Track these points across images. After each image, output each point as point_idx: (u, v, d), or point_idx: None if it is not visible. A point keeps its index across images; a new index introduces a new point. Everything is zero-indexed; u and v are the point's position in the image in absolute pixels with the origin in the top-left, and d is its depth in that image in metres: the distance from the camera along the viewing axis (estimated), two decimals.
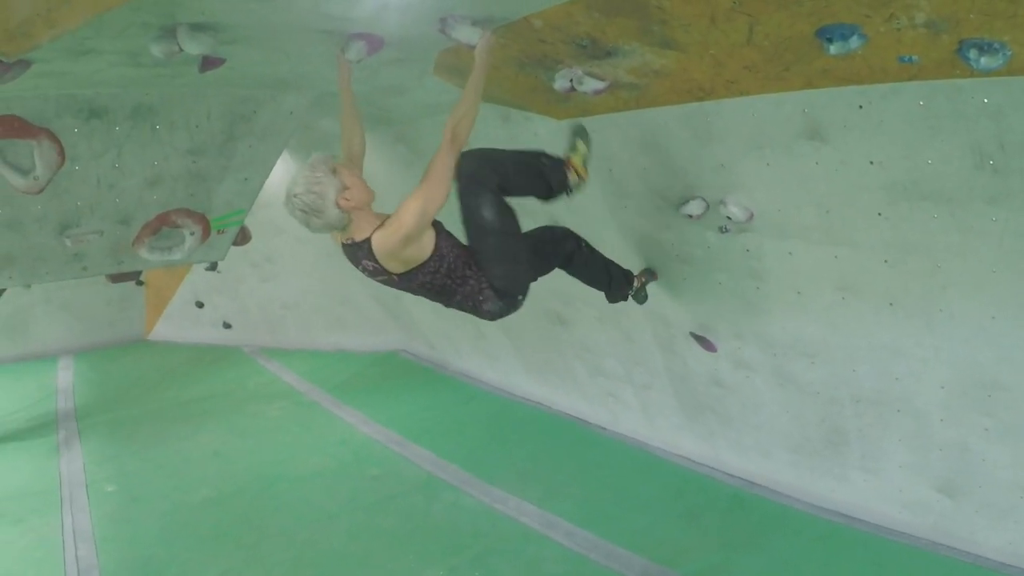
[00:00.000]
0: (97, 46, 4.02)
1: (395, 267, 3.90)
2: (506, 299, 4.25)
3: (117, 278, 9.27)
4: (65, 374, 12.36)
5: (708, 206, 4.88)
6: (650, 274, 5.65)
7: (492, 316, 4.32)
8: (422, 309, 10.07)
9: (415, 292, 4.16)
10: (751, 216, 4.68)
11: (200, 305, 13.13)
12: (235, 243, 7.58)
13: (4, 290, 8.06)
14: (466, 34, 3.95)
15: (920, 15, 2.83)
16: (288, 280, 11.70)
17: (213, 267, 9.90)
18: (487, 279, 4.14)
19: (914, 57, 3.09)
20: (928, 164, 3.61)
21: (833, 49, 3.18)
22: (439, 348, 10.64)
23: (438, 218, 3.92)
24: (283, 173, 6.86)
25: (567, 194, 4.49)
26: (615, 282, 5.25)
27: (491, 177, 4.07)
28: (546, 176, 4.37)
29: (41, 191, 5.68)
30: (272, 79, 5.35)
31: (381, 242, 3.79)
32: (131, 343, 13.94)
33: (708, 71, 3.87)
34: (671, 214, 5.18)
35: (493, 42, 3.96)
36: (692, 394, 6.54)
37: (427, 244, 3.88)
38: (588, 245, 5.02)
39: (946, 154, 3.50)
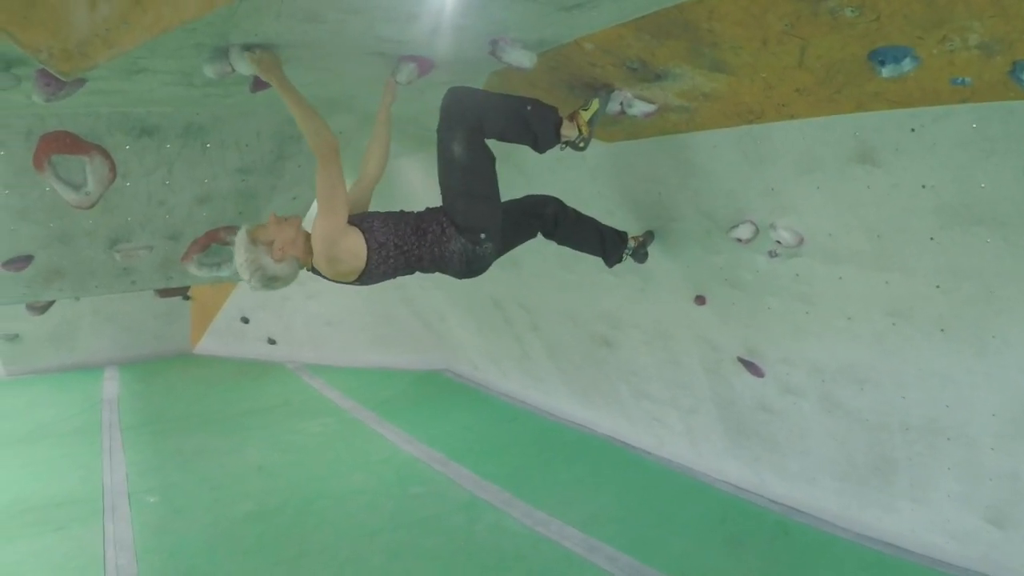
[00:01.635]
0: (150, 65, 4.17)
1: (349, 278, 4.00)
2: (467, 235, 4.12)
3: (165, 293, 9.45)
4: (111, 385, 12.60)
5: (758, 230, 4.88)
6: (649, 235, 5.51)
7: (460, 262, 4.18)
8: (467, 329, 10.15)
9: (390, 278, 4.19)
10: (801, 240, 4.67)
11: (246, 321, 13.32)
12: None
13: (53, 302, 8.26)
14: (517, 57, 4.01)
15: (973, 37, 2.83)
16: (333, 297, 11.82)
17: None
18: (449, 218, 4.11)
19: (967, 79, 3.08)
20: (981, 188, 3.58)
21: (885, 72, 3.18)
22: (483, 368, 10.68)
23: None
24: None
25: (560, 146, 4.39)
26: (609, 244, 5.18)
27: (468, 117, 4.05)
28: (531, 124, 4.24)
29: (92, 206, 5.83)
30: (322, 99, 5.43)
31: (321, 268, 3.94)
32: (176, 356, 14.17)
33: (759, 94, 3.89)
34: (720, 238, 5.19)
35: (269, 61, 3.86)
36: (738, 419, 6.50)
37: (357, 248, 3.91)
38: (575, 211, 4.97)
39: (999, 177, 3.47)
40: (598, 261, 6.28)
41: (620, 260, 5.32)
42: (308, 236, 3.93)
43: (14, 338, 13.08)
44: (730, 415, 6.56)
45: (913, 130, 3.59)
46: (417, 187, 7.59)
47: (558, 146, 4.37)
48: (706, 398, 6.69)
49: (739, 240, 4.99)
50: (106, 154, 5.63)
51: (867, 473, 5.59)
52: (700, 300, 5.85)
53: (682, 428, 7.30)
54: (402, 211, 4.16)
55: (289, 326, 12.96)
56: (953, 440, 4.85)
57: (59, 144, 5.51)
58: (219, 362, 13.70)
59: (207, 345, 14.18)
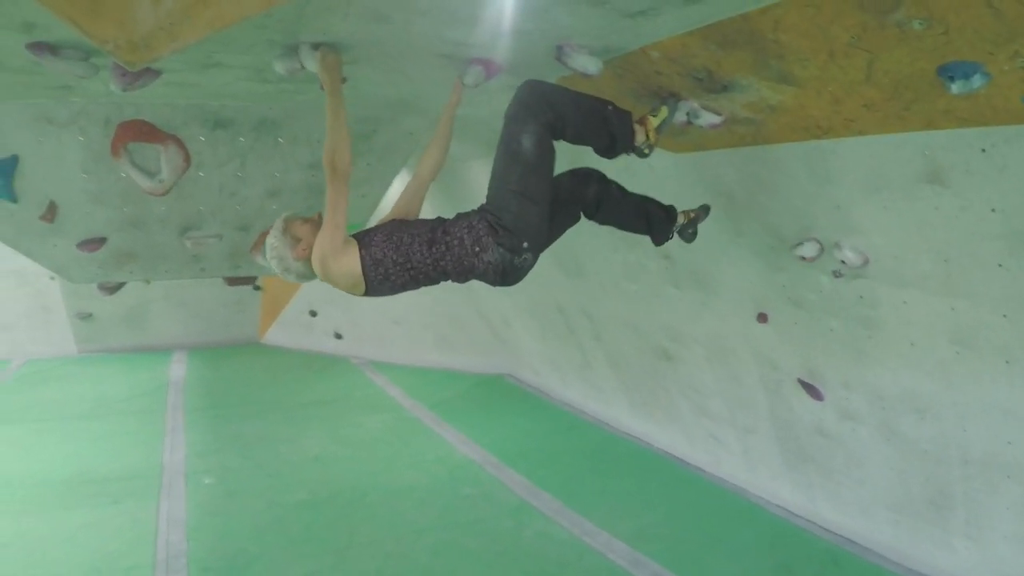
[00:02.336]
0: (224, 60, 4.30)
1: (357, 293, 3.95)
2: (508, 242, 3.87)
3: (234, 281, 9.68)
4: (178, 368, 13.06)
5: (823, 249, 4.80)
6: (703, 211, 4.85)
7: (494, 273, 3.94)
8: (531, 335, 10.18)
9: (400, 292, 4.06)
10: (866, 261, 4.58)
11: (314, 314, 13.57)
12: None
13: (124, 283, 8.52)
14: (583, 63, 3.99)
15: None
16: (400, 296, 11.94)
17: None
18: (487, 222, 3.88)
19: None
20: None
21: (955, 88, 3.08)
22: (544, 375, 10.70)
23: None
24: (399, 188, 7.07)
25: (628, 152, 4.22)
26: (655, 222, 4.68)
27: (546, 110, 3.86)
28: (609, 125, 4.07)
29: (166, 194, 6.04)
30: (393, 100, 5.53)
31: (328, 280, 3.93)
32: (244, 344, 14.62)
33: (826, 108, 3.82)
34: (785, 255, 5.12)
35: (332, 61, 3.91)
36: (795, 442, 6.39)
37: (351, 266, 3.82)
38: (619, 187, 4.54)
39: None
40: (662, 270, 6.25)
41: (668, 238, 4.82)
42: None
43: (88, 317, 13.55)
44: (788, 437, 6.46)
45: (984, 150, 3.49)
46: (484, 192, 7.62)
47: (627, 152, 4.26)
48: (764, 418, 6.60)
49: (803, 258, 4.92)
50: (181, 144, 5.84)
51: (922, 506, 5.45)
52: (762, 318, 5.79)
53: (739, 448, 7.21)
54: (420, 220, 4.07)
55: (356, 322, 13.18)
56: (1013, 478, 4.70)
57: (136, 132, 5.75)
58: (285, 353, 14.04)
59: (274, 336, 14.49)
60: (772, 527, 6.66)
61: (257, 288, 13.17)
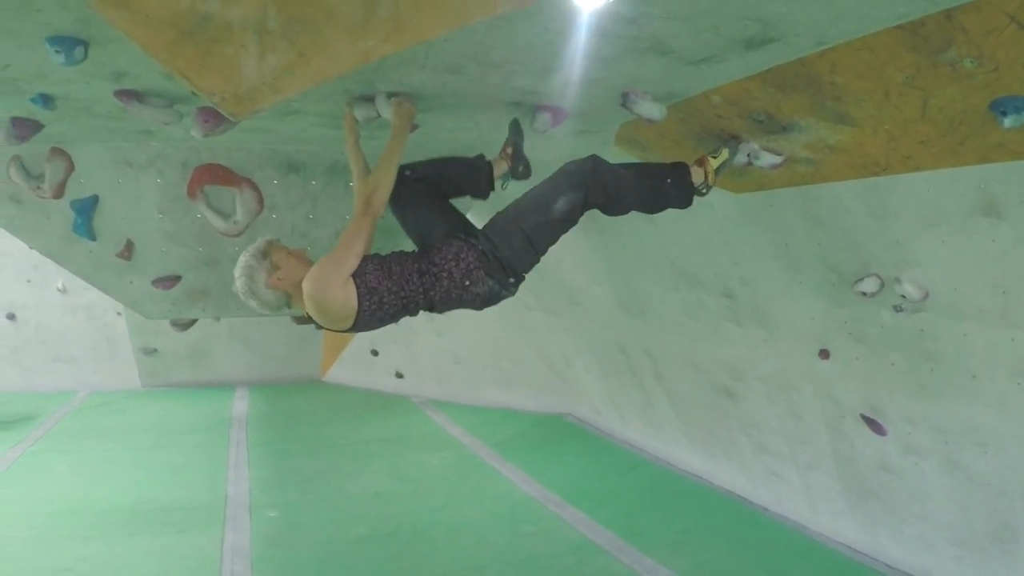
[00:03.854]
0: (302, 108, 4.55)
1: (338, 326, 3.88)
2: (499, 277, 4.00)
3: (302, 320, 9.90)
4: (240, 403, 13.36)
5: (883, 283, 4.92)
6: (733, 142, 4.53)
7: (480, 302, 4.07)
8: (592, 374, 10.30)
9: (386, 324, 4.01)
10: (926, 295, 4.70)
11: (375, 353, 13.80)
12: None
13: (195, 320, 8.79)
14: (647, 109, 4.15)
15: None
16: (462, 335, 12.16)
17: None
18: (485, 247, 3.95)
19: None
20: None
21: (1007, 122, 3.20)
22: (605, 414, 10.81)
23: None
24: None
25: (695, 196, 4.38)
26: (674, 191, 4.39)
27: (598, 194, 4.04)
28: (668, 200, 4.33)
29: (240, 235, 6.25)
30: (461, 144, 5.70)
31: (313, 314, 3.82)
32: (305, 382, 14.87)
33: (883, 146, 3.97)
34: (845, 291, 5.24)
35: (408, 110, 4.01)
36: (857, 478, 6.46)
37: (348, 296, 3.74)
38: (612, 177, 4.20)
39: None
40: (723, 308, 6.36)
41: (697, 195, 4.47)
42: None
43: (153, 352, 13.93)
44: (850, 474, 6.52)
45: None
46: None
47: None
48: (826, 455, 6.67)
49: (864, 293, 5.04)
50: (255, 187, 6.11)
51: (986, 541, 5.49)
52: (824, 354, 5.89)
53: (800, 485, 7.27)
54: (403, 252, 4.03)
55: (417, 360, 13.40)
56: None
57: (212, 175, 6.04)
58: (346, 391, 14.28)
59: (336, 373, 14.78)
60: (834, 564, 6.70)
61: (320, 327, 13.44)
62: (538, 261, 4.13)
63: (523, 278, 4.12)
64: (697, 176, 4.32)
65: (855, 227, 4.81)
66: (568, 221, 4.09)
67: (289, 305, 3.89)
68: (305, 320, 9.23)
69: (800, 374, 6.35)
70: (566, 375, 11.21)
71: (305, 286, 3.67)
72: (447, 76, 3.82)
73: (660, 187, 4.28)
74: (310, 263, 3.83)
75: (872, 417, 5.89)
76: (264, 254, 3.79)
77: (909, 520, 6.13)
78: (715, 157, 4.36)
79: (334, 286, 3.70)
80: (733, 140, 4.47)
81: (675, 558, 6.94)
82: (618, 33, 3.16)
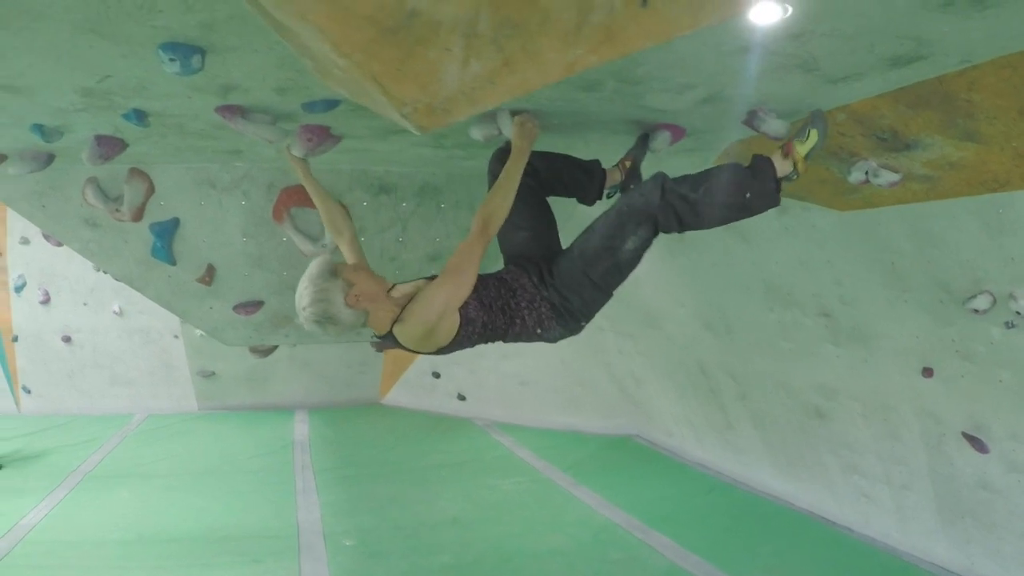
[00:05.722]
0: None
1: (428, 349, 3.86)
2: (571, 326, 4.07)
3: (381, 346, 9.96)
4: (301, 427, 13.42)
5: (995, 300, 4.95)
6: (821, 121, 4.02)
7: (548, 341, 4.15)
8: (666, 396, 10.30)
9: (458, 350, 4.03)
10: None
11: (437, 375, 13.87)
12: None
13: (276, 347, 8.80)
14: (775, 127, 4.22)
15: None
16: (528, 358, 12.21)
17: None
18: (557, 300, 3.97)
19: None
20: None
21: None
22: (678, 435, 10.85)
23: None
24: None
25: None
26: (757, 202, 4.07)
27: (669, 223, 3.93)
28: (751, 207, 4.04)
29: None
30: None
31: (405, 337, 3.79)
32: (364, 405, 14.94)
33: (1007, 162, 4.00)
34: (954, 308, 5.28)
35: (532, 129, 3.94)
36: (954, 497, 6.48)
37: (454, 322, 3.77)
38: (705, 201, 3.97)
39: None
40: (820, 327, 6.34)
41: (787, 182, 4.11)
42: (386, 303, 3.81)
43: (211, 375, 14.09)
44: (946, 492, 6.55)
45: None
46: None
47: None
48: (922, 474, 6.70)
49: (975, 311, 5.08)
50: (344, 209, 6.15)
51: None
52: (927, 372, 5.90)
53: (891, 505, 7.30)
54: (485, 278, 3.96)
55: (481, 383, 13.50)
56: None
57: (299, 197, 6.00)
58: (407, 413, 14.35)
59: (395, 396, 14.91)
60: None
61: (381, 349, 13.53)
62: (610, 299, 4.11)
63: (593, 317, 4.12)
64: (783, 168, 3.98)
65: (968, 244, 4.84)
66: (638, 259, 4.03)
67: (364, 324, 3.81)
68: (384, 346, 9.21)
69: (899, 393, 6.40)
70: (636, 396, 11.25)
71: (422, 313, 3.67)
72: (580, 93, 3.80)
73: (741, 203, 4.01)
74: (374, 276, 3.85)
75: (974, 435, 5.92)
76: (333, 273, 3.71)
77: (1008, 538, 6.15)
78: (803, 142, 3.95)
79: (452, 312, 3.72)
80: (819, 117, 3.99)
81: None
82: (776, 50, 3.21)
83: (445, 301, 3.68)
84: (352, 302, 3.66)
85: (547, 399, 12.65)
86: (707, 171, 4.03)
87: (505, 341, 4.11)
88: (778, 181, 3.98)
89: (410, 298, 3.78)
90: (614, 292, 4.09)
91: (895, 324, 5.88)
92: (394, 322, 3.78)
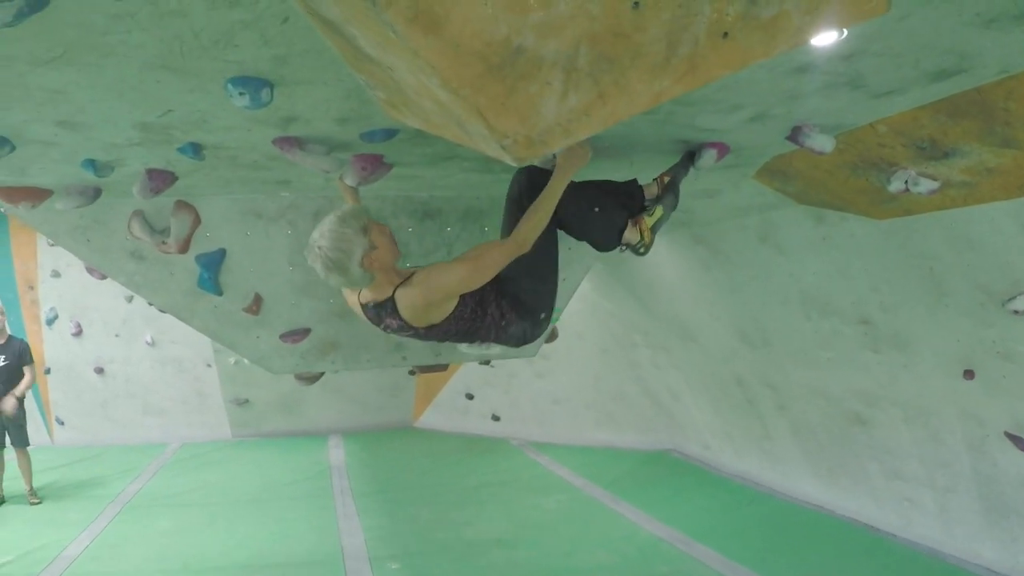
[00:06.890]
0: (461, 153, 4.51)
1: (420, 323, 4.00)
2: (529, 318, 4.30)
3: (425, 370, 10.04)
4: (336, 452, 13.58)
5: None
6: (670, 198, 4.62)
7: (518, 340, 4.38)
8: (702, 409, 10.40)
9: (439, 340, 4.31)
10: None
11: (470, 397, 14.02)
12: (547, 341, 8.09)
13: (323, 374, 8.86)
14: (820, 142, 4.36)
15: None
16: (562, 376, 12.38)
17: (487, 362, 10.47)
18: (504, 299, 4.18)
19: None
20: None
21: None
22: (714, 448, 10.98)
23: None
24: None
25: (621, 249, 4.51)
26: (600, 232, 4.57)
27: (621, 216, 4.34)
28: (593, 233, 4.48)
29: None
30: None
31: (406, 301, 3.90)
32: (398, 428, 15.12)
33: None
34: (994, 310, 5.41)
35: (582, 151, 4.01)
36: (999, 497, 6.60)
37: (450, 307, 3.98)
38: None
39: None
40: (859, 335, 6.47)
41: (633, 252, 4.62)
42: (391, 273, 3.99)
43: (244, 403, 14.27)
44: (990, 493, 6.67)
45: None
46: (667, 272, 8.11)
47: (618, 248, 4.54)
48: (966, 476, 6.82)
49: (1016, 312, 5.20)
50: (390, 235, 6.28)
51: None
52: (968, 374, 6.01)
53: (935, 508, 7.41)
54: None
55: (515, 403, 13.69)
56: None
57: None
58: (440, 436, 14.52)
59: (429, 419, 15.12)
60: None
61: (412, 373, 13.69)
62: (555, 284, 4.41)
63: (552, 306, 4.39)
64: (632, 235, 4.40)
65: (1006, 246, 4.97)
66: (554, 247, 4.35)
67: (364, 286, 3.99)
68: (428, 370, 9.01)
69: (941, 396, 6.53)
70: (672, 410, 11.38)
71: (428, 287, 3.86)
72: (637, 116, 3.84)
73: (587, 215, 4.35)
74: (394, 246, 4.01)
75: (1017, 434, 6.05)
76: (364, 230, 3.82)
77: None
78: (650, 215, 4.41)
79: (452, 298, 3.94)
80: (669, 194, 4.54)
81: None
82: (826, 69, 3.35)
83: (457, 282, 3.88)
84: (367, 264, 3.81)
85: (581, 416, 12.81)
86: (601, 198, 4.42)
87: (472, 341, 4.32)
88: (622, 229, 4.39)
89: (412, 274, 3.99)
90: (555, 280, 4.39)
91: (935, 328, 6.02)
92: (396, 287, 3.94)
